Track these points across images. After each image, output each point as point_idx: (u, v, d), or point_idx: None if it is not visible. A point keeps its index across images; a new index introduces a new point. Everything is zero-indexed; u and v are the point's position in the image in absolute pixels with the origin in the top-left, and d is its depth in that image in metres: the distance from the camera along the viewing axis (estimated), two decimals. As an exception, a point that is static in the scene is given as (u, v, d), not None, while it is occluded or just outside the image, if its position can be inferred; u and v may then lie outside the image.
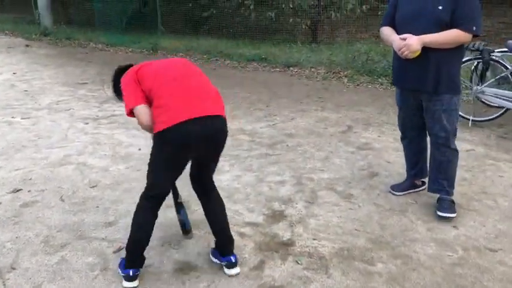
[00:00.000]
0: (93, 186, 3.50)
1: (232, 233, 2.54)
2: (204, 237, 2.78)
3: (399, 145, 4.29)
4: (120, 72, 2.52)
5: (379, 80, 6.86)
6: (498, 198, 3.28)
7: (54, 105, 5.74)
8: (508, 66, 4.55)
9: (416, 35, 2.75)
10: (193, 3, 11.08)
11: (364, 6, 10.11)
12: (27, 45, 10.70)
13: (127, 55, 9.53)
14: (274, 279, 2.40)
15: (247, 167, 3.85)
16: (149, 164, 2.32)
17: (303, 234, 2.84)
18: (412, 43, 2.74)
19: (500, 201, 3.24)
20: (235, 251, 2.48)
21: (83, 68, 8.22)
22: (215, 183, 2.53)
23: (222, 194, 2.58)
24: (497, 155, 4.05)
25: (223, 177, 3.59)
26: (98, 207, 3.19)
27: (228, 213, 2.57)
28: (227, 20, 11.16)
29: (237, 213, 3.06)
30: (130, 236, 2.38)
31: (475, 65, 4.88)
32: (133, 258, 2.36)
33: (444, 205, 3.02)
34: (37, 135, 4.63)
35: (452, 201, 3.05)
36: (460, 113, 4.90)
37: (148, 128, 2.27)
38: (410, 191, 3.37)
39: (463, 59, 4.89)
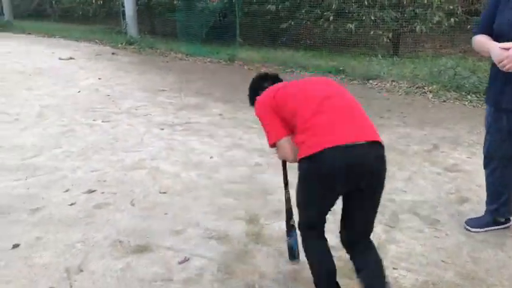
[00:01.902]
0: (164, 192, 3.45)
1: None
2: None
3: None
4: (258, 81, 2.38)
5: (468, 97, 6.32)
6: None
7: (133, 110, 5.89)
8: None
9: None
10: (272, 16, 11.09)
11: (452, 19, 9.48)
12: (113, 53, 11.28)
13: (205, 65, 9.69)
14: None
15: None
16: (297, 196, 2.02)
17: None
18: None
19: None
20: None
21: (163, 75, 8.45)
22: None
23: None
24: None
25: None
26: (166, 214, 3.12)
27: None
28: (305, 31, 11.02)
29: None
30: (314, 276, 2.06)
31: None
32: None
33: None
34: (115, 138, 4.74)
35: None
36: None
37: (294, 161, 2.03)
38: (490, 228, 2.88)
39: None
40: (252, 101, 2.33)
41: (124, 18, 13.39)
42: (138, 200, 3.33)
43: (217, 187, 3.55)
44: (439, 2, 9.37)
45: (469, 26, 10.99)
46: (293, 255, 2.49)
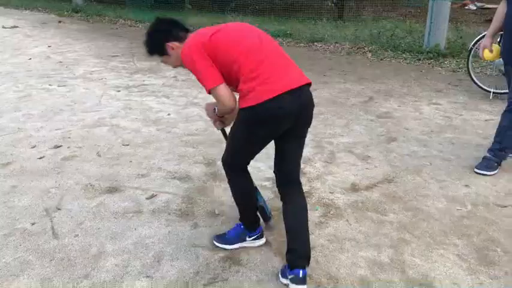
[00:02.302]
0: (126, 145, 3.76)
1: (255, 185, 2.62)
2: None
3: (419, 114, 4.45)
4: (169, 25, 2.17)
5: (403, 55, 6.91)
6: (512, 162, 3.40)
7: (88, 74, 6.04)
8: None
9: None
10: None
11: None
12: (59, 21, 11.07)
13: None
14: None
15: (270, 131, 4.05)
16: (233, 142, 2.17)
17: (320, 188, 3.04)
18: None
19: (513, 165, 3.35)
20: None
21: (114, 42, 8.51)
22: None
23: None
24: (515, 124, 4.12)
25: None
26: (131, 161, 3.45)
27: (250, 169, 2.32)
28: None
29: (258, 169, 3.26)
30: (239, 204, 2.33)
31: (498, 39, 4.91)
32: (251, 219, 2.36)
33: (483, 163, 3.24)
34: (73, 100, 4.93)
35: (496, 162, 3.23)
36: (482, 85, 4.98)
37: (231, 109, 2.05)
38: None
39: (485, 32, 4.95)
40: (157, 49, 2.16)
41: (68, -15, 13.04)
42: (103, 152, 3.63)
43: (176, 139, 3.89)
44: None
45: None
46: (268, 215, 2.54)
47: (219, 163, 3.39)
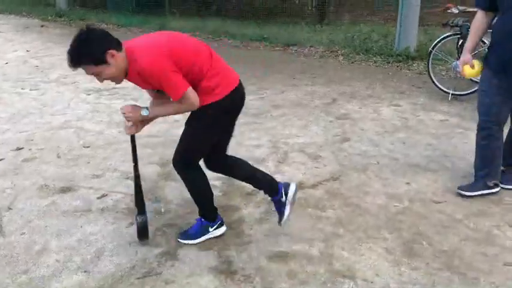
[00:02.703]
0: (87, 147, 3.86)
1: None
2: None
3: (377, 115, 4.58)
4: (107, 38, 2.09)
5: (374, 58, 7.04)
6: (456, 161, 3.52)
7: (62, 78, 6.13)
8: (485, 41, 4.72)
9: None
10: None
11: (368, -12, 10.20)
12: (42, 26, 11.15)
13: (136, 35, 9.79)
14: (237, 219, 2.74)
15: (230, 132, 4.17)
16: (195, 140, 2.33)
17: (267, 187, 3.15)
18: None
19: (457, 163, 3.48)
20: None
21: (93, 46, 8.60)
22: None
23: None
24: (468, 124, 4.26)
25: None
26: (89, 162, 3.56)
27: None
28: (234, 1, 11.39)
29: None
30: (198, 199, 2.50)
31: (456, 41, 5.07)
32: (211, 210, 2.54)
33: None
34: (43, 104, 5.02)
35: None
36: (441, 86, 5.13)
37: (195, 108, 2.20)
38: (482, 192, 2.96)
39: (444, 35, 5.10)
40: (92, 57, 2.04)
41: (52, -10, 13.12)
42: (63, 153, 3.73)
43: (137, 140, 3.98)
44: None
45: (387, -4, 11.84)
46: (146, 235, 2.53)
47: (174, 163, 3.51)
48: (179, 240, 2.54)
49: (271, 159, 3.62)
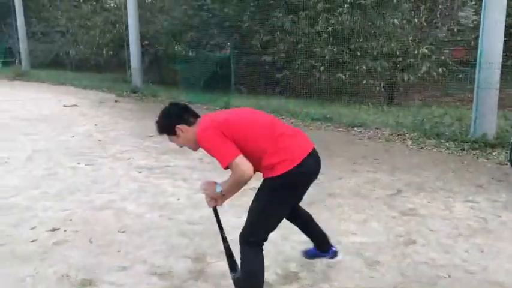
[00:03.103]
0: (123, 231, 3.62)
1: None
2: None
3: (449, 213, 3.97)
4: (181, 111, 2.46)
5: (447, 144, 6.44)
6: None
7: (118, 154, 6.16)
8: None
9: None
10: (269, 66, 11.56)
11: (440, 69, 9.76)
12: (116, 101, 11.78)
13: (201, 111, 9.97)
14: None
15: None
16: (260, 213, 2.37)
17: (311, 299, 2.65)
18: None
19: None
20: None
21: (158, 122, 8.79)
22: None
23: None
24: None
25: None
26: (119, 251, 3.28)
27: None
28: (299, 81, 11.40)
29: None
30: (246, 281, 2.41)
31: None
32: None
33: None
34: (93, 180, 4.96)
35: None
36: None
37: (249, 179, 2.25)
38: None
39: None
40: (167, 129, 2.43)
41: (129, 68, 14.02)
42: (96, 238, 3.49)
43: (175, 227, 3.70)
44: (427, 52, 9.67)
45: (460, 76, 11.31)
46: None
47: (208, 259, 3.14)
48: None
49: (319, 261, 3.11)
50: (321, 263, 3.09)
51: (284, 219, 2.55)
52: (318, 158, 2.42)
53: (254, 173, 2.27)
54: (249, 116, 2.42)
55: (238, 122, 2.32)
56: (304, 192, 2.49)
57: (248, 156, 2.23)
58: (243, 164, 2.20)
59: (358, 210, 4.06)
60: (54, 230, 3.63)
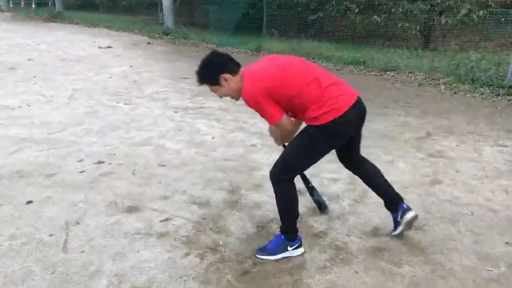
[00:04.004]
0: (163, 165, 3.87)
1: (270, 221, 2.67)
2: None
3: (477, 156, 4.04)
4: (227, 61, 2.41)
5: (481, 89, 6.35)
6: None
7: (154, 94, 6.37)
8: None
9: None
10: (302, 7, 11.31)
11: (481, 12, 9.34)
12: (148, 43, 11.89)
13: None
14: (297, 264, 2.49)
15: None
16: (294, 156, 2.45)
17: (338, 229, 2.86)
18: None
19: None
20: (271, 238, 2.63)
21: (191, 64, 8.88)
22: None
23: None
24: None
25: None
26: (160, 182, 3.54)
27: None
28: (333, 23, 11.16)
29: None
30: (284, 214, 2.51)
31: None
32: (293, 229, 2.55)
33: None
34: (132, 118, 5.22)
35: None
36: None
37: (293, 134, 2.48)
38: None
39: None
40: (209, 79, 2.40)
41: (161, 10, 13.98)
42: (139, 170, 3.76)
43: (210, 163, 3.93)
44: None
45: (503, 19, 10.78)
46: (323, 207, 3.02)
47: (243, 191, 3.37)
48: (256, 256, 2.54)
49: (346, 196, 3.30)
50: (348, 197, 3.27)
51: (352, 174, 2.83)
52: (363, 107, 2.44)
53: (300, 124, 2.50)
54: (295, 74, 2.34)
55: (283, 85, 2.30)
56: (343, 142, 2.47)
57: (293, 109, 2.38)
58: (287, 123, 2.38)
59: (386, 152, 4.17)
60: (100, 162, 3.92)
